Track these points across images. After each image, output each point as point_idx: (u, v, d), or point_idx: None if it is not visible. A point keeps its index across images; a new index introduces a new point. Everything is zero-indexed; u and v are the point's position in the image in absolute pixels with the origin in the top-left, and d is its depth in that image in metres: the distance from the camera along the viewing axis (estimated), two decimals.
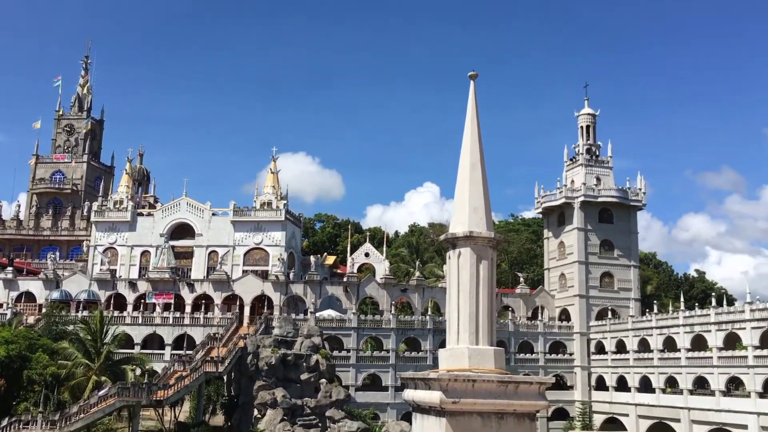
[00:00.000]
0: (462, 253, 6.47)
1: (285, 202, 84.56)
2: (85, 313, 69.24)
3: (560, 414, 74.43)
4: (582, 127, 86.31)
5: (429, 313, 74.15)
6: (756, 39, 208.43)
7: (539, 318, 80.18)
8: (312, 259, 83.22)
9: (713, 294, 76.84)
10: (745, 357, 58.74)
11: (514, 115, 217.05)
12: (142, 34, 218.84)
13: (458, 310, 6.37)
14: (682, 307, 68.27)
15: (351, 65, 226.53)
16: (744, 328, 59.55)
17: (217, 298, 76.50)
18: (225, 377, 64.01)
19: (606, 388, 74.37)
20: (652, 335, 69.69)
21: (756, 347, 58.12)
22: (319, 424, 60.03)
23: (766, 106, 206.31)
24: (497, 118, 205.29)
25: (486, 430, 6.35)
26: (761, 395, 57.06)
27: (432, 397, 6.07)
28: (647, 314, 73.10)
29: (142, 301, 76.56)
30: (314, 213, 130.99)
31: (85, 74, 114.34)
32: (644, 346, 70.99)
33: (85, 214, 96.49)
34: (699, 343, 64.60)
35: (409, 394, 6.62)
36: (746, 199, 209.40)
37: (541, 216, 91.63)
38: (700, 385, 63.92)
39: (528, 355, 76.60)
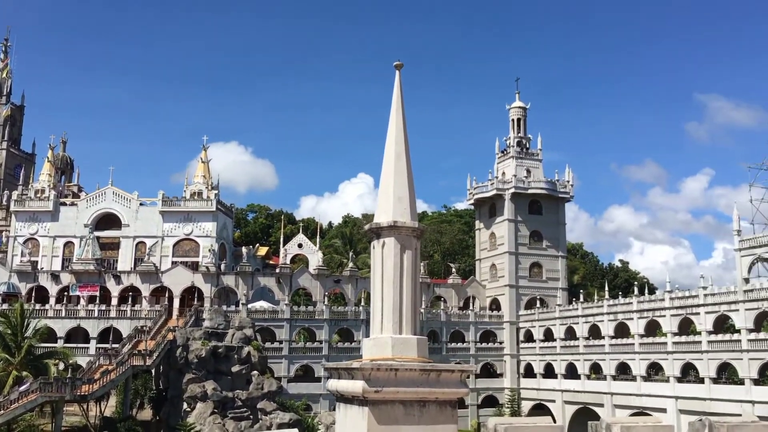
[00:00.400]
0: (386, 243, 6.48)
1: (216, 192, 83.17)
2: (5, 306, 66.55)
3: (490, 401, 75.96)
4: (513, 120, 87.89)
5: (362, 303, 74.39)
6: (677, 38, 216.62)
7: (471, 308, 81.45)
8: (244, 250, 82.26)
9: (635, 283, 79.58)
10: (665, 343, 61.18)
11: (448, 108, 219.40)
12: (66, 21, 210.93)
13: (382, 300, 6.39)
14: (607, 296, 70.64)
15: (284, 53, 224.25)
16: (664, 316, 61.99)
17: (145, 290, 74.68)
18: (153, 371, 62.65)
19: (534, 375, 76.28)
20: (578, 323, 71.78)
21: (675, 334, 60.58)
22: (251, 417, 59.50)
23: (687, 102, 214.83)
24: (431, 111, 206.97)
25: (408, 418, 6.40)
26: (679, 380, 59.59)
27: (355, 386, 6.08)
28: (574, 303, 75.24)
29: (66, 293, 74.04)
30: (246, 203, 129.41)
31: (4, 58, 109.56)
32: (571, 334, 73.07)
33: (4, 203, 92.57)
34: (622, 330, 66.94)
35: (333, 384, 6.63)
36: (667, 191, 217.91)
37: (473, 207, 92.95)
38: (623, 371, 66.28)
39: (459, 344, 77.78)
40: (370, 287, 6.08)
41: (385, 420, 6.33)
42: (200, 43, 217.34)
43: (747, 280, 56.23)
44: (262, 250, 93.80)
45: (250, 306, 70.54)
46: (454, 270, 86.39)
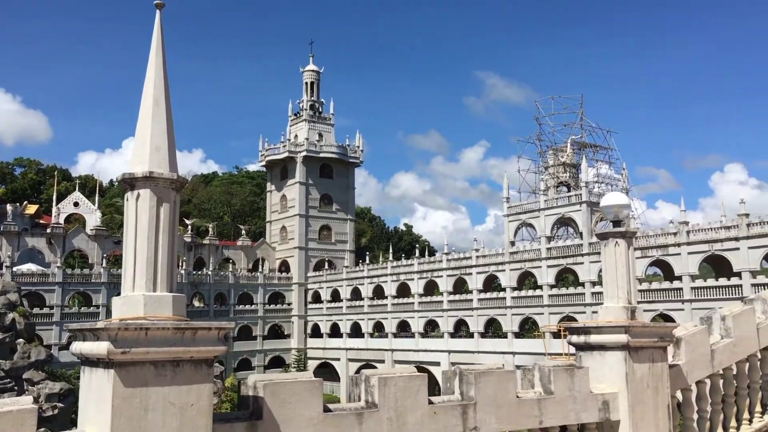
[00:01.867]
0: (141, 195, 5.98)
1: None
2: None
3: (277, 362, 76.65)
4: (307, 83, 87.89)
5: None
6: (461, 14, 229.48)
7: (260, 270, 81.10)
8: (9, 207, 74.47)
9: (417, 246, 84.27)
10: (441, 302, 65.54)
11: (241, 67, 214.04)
12: None
13: (135, 256, 5.93)
14: (391, 258, 74.00)
15: None
16: (441, 276, 66.28)
17: None
18: None
19: (320, 335, 78.12)
20: (363, 284, 74.45)
21: (450, 293, 65.09)
22: (15, 387, 54.59)
23: (466, 78, 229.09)
24: (225, 70, 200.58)
25: (159, 379, 6.08)
26: (452, 335, 64.31)
27: (99, 348, 5.59)
28: (360, 265, 77.84)
29: None
30: (14, 157, 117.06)
31: None
32: (356, 294, 75.64)
33: None
34: (404, 290, 70.59)
35: (77, 346, 6.08)
36: (448, 160, 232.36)
37: (264, 169, 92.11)
38: (403, 329, 70.09)
39: (248, 306, 77.29)
40: (123, 242, 5.63)
41: (133, 382, 5.95)
42: None
43: (513, 243, 61.72)
44: (31, 209, 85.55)
45: (15, 269, 64.37)
46: (243, 232, 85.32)
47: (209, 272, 75.26)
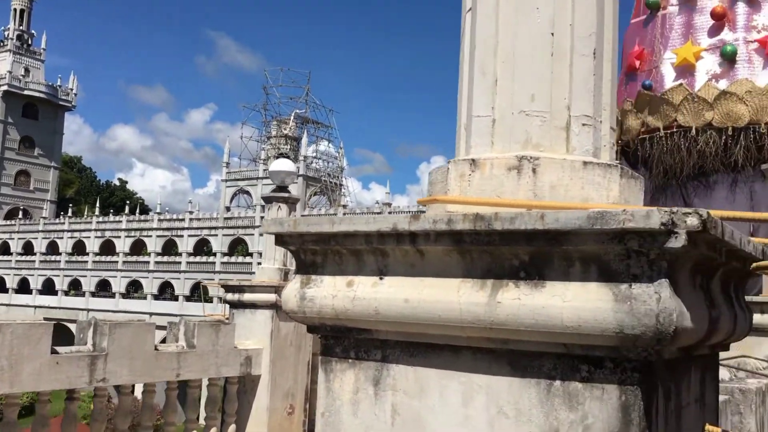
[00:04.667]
0: None
1: None
2: None
3: None
4: (15, 9, 78.07)
5: None
6: None
7: None
8: None
9: (129, 203, 79.88)
10: (148, 262, 63.02)
11: None
12: None
13: None
14: (97, 213, 69.24)
15: None
16: (150, 236, 63.69)
17: None
18: None
19: (6, 291, 70.55)
20: (63, 238, 68.66)
21: (159, 254, 62.89)
22: None
23: (198, 35, 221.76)
24: None
25: None
26: (156, 297, 62.29)
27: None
28: (61, 217, 71.66)
29: None
30: None
31: None
32: (54, 248, 69.55)
33: None
34: (109, 248, 66.53)
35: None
36: (172, 119, 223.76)
37: None
38: (104, 288, 66.15)
39: None
40: None
41: None
42: None
43: (228, 209, 61.50)
44: None
45: None
46: None
47: None
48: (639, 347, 1.48)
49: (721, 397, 3.99)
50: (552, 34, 1.92)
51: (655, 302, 1.44)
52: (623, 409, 1.51)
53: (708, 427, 1.87)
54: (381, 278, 1.81)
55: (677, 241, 1.42)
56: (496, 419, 1.64)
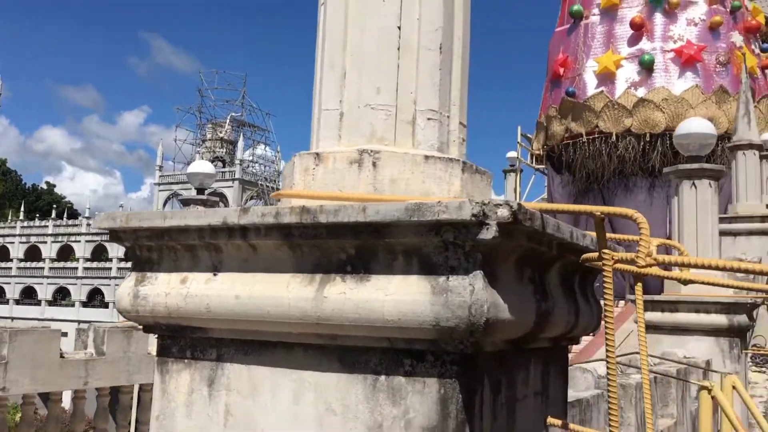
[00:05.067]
0: None
1: None
2: None
3: None
4: None
5: None
6: None
7: None
8: None
9: (56, 207, 77.16)
10: (76, 268, 61.04)
11: None
12: None
13: None
14: (22, 218, 66.73)
15: None
16: (79, 241, 61.73)
17: None
18: None
19: None
20: None
21: (87, 259, 61.00)
22: None
23: (131, 36, 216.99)
24: None
25: None
26: (85, 304, 60.33)
27: None
28: None
29: None
30: None
31: None
32: None
33: None
34: (34, 253, 64.16)
35: None
36: (104, 120, 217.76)
37: None
38: (29, 295, 63.71)
39: None
40: None
41: None
42: None
43: None
44: None
45: None
46: None
47: None
48: (456, 339, 1.47)
49: (596, 392, 4.10)
50: (399, 27, 1.91)
51: (469, 294, 1.43)
52: (442, 402, 1.49)
53: (550, 419, 1.87)
54: (215, 274, 1.76)
55: (488, 233, 1.41)
56: (325, 416, 1.61)
